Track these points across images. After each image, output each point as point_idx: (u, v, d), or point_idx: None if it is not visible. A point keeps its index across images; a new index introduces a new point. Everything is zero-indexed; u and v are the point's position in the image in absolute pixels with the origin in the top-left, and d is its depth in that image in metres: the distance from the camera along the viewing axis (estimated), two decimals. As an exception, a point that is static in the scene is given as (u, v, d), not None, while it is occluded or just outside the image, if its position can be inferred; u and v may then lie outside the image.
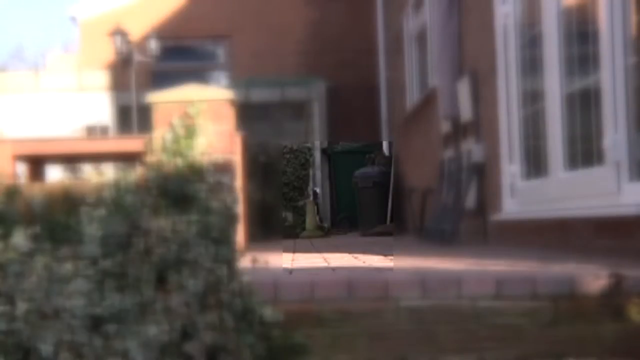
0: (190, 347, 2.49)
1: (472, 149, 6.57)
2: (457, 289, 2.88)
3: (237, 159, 3.20)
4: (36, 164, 4.49)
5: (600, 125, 4.35)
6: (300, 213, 10.91)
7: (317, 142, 12.70)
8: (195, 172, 2.81)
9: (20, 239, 2.63)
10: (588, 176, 4.59)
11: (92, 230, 2.63)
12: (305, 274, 3.64)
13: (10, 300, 2.52)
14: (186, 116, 2.99)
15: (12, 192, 2.79)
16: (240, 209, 2.92)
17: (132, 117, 13.39)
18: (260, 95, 13.24)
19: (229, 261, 2.65)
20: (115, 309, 2.50)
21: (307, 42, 14.05)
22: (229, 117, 3.15)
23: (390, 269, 3.58)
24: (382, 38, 11.98)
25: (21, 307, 2.50)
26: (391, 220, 9.97)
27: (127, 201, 2.69)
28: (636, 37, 4.06)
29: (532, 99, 5.59)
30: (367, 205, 10.30)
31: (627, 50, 4.08)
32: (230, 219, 2.75)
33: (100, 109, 14.22)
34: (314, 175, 12.10)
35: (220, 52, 14.89)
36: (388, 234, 9.46)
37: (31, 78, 14.87)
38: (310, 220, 10.75)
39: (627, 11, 4.09)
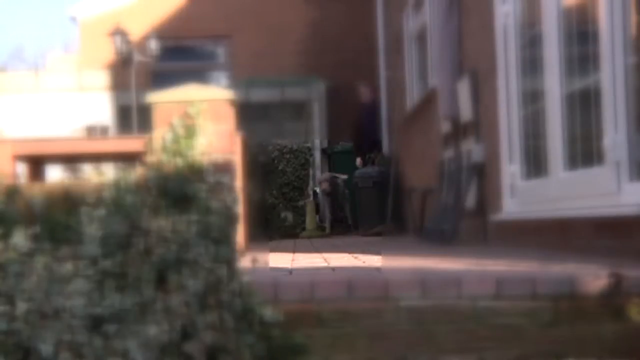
0: (190, 347, 2.49)
1: (472, 149, 6.57)
2: (457, 289, 2.88)
3: (237, 159, 3.20)
4: (36, 164, 4.49)
5: (600, 125, 4.35)
6: (300, 213, 10.90)
7: (317, 142, 12.69)
8: (195, 172, 2.81)
9: (20, 239, 2.63)
10: (588, 176, 4.59)
11: (92, 230, 2.63)
12: (305, 274, 3.64)
13: (10, 300, 2.52)
14: (186, 116, 2.99)
15: (12, 192, 2.79)
16: (240, 209, 2.92)
17: (132, 117, 13.39)
18: (260, 95, 13.24)
19: (229, 261, 2.65)
20: (115, 309, 2.50)
21: (307, 42, 14.04)
22: (229, 117, 3.15)
23: (391, 269, 3.58)
24: (382, 38, 11.97)
25: (21, 307, 2.50)
26: (391, 220, 9.97)
27: (127, 201, 2.69)
28: (636, 37, 4.06)
29: (532, 98, 5.59)
30: (367, 205, 10.30)
31: (627, 50, 4.08)
32: (230, 219, 2.75)
33: (100, 109, 14.22)
34: (314, 175, 12.09)
35: (220, 52, 14.88)
36: (388, 234, 9.47)
37: (31, 78, 14.87)
38: (310, 220, 10.75)
39: (627, 11, 4.09)
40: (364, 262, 4.42)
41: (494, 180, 6.15)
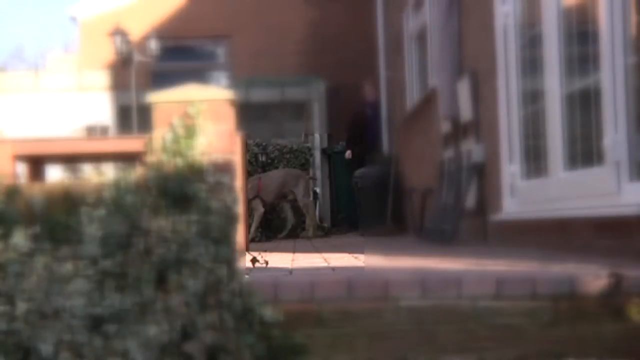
0: (190, 347, 2.49)
1: (472, 149, 6.57)
2: (457, 289, 2.88)
3: (237, 159, 3.19)
4: (36, 164, 4.49)
5: (600, 125, 4.35)
6: (300, 213, 10.90)
7: (318, 141, 12.68)
8: (195, 172, 2.81)
9: (20, 239, 2.63)
10: (588, 176, 4.59)
11: (92, 230, 2.63)
12: (305, 274, 3.64)
13: (10, 300, 2.52)
14: (186, 116, 2.98)
15: (12, 192, 2.79)
16: (240, 209, 2.92)
17: (132, 117, 13.38)
18: (260, 95, 13.24)
19: (229, 261, 2.65)
20: (115, 309, 2.50)
21: (307, 42, 14.04)
22: (229, 117, 3.15)
23: (391, 269, 3.58)
24: (382, 38, 11.97)
25: (21, 307, 2.50)
26: (391, 220, 9.97)
27: (127, 201, 2.69)
28: (636, 37, 4.06)
29: (532, 98, 5.59)
30: (367, 205, 10.30)
31: (627, 50, 4.08)
32: (230, 219, 2.75)
33: (100, 109, 14.21)
34: (313, 175, 12.09)
35: (220, 52, 14.88)
36: (388, 234, 9.46)
37: (31, 78, 14.86)
38: (310, 220, 10.75)
39: (627, 11, 4.09)
40: (364, 262, 4.42)
41: (494, 180, 6.15)
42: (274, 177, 10.37)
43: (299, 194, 10.24)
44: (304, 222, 10.84)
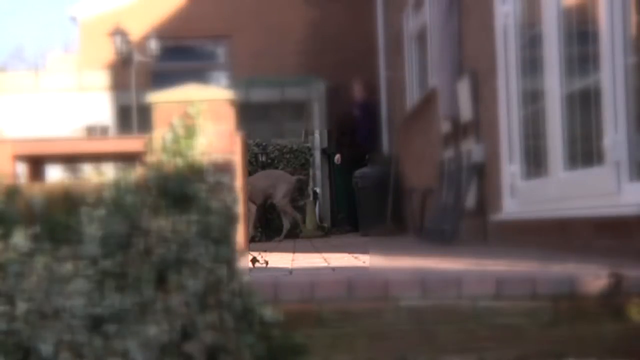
0: (190, 347, 2.49)
1: (472, 149, 6.57)
2: (457, 289, 2.89)
3: (237, 159, 3.19)
4: (36, 164, 4.49)
5: (600, 125, 4.35)
6: (300, 213, 10.90)
7: (317, 141, 12.67)
8: (195, 172, 2.81)
9: (20, 239, 2.63)
10: (588, 176, 4.59)
11: (92, 230, 2.63)
12: (305, 274, 3.64)
13: (10, 300, 2.52)
14: (186, 116, 2.98)
15: (12, 192, 2.79)
16: (240, 209, 2.92)
17: (132, 117, 13.38)
18: (260, 95, 13.24)
19: (229, 261, 2.65)
20: (115, 309, 2.50)
21: (307, 42, 14.03)
22: (229, 117, 3.15)
23: (391, 269, 3.58)
24: (382, 38, 11.96)
25: (21, 307, 2.50)
26: (391, 220, 9.97)
27: (127, 201, 2.69)
28: (636, 37, 4.06)
29: (532, 98, 5.59)
30: (367, 205, 10.30)
31: (627, 50, 4.08)
32: (230, 219, 2.75)
33: (100, 109, 14.21)
34: (314, 175, 12.07)
35: (220, 52, 14.88)
36: (388, 234, 9.47)
37: (31, 78, 14.86)
38: (310, 220, 10.74)
39: (627, 11, 4.09)
40: (364, 262, 4.42)
41: (494, 180, 6.15)
42: (258, 179, 10.12)
43: (277, 196, 9.84)
44: (304, 222, 10.84)
